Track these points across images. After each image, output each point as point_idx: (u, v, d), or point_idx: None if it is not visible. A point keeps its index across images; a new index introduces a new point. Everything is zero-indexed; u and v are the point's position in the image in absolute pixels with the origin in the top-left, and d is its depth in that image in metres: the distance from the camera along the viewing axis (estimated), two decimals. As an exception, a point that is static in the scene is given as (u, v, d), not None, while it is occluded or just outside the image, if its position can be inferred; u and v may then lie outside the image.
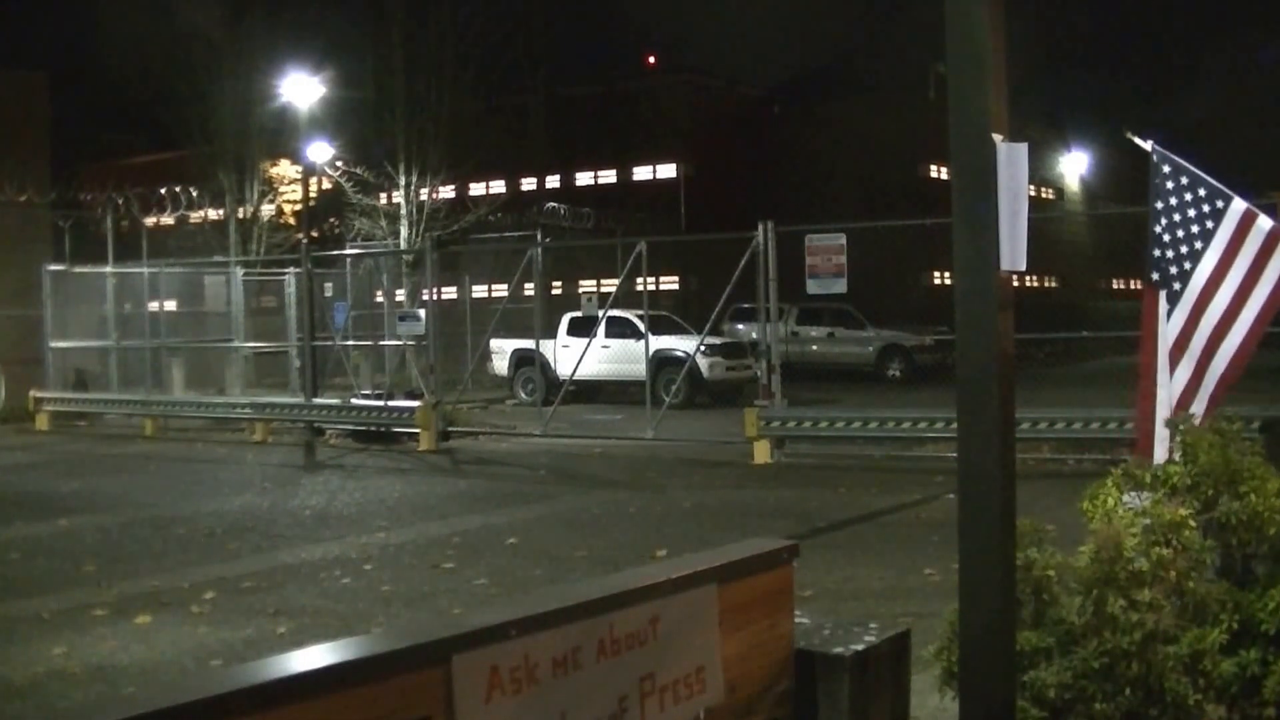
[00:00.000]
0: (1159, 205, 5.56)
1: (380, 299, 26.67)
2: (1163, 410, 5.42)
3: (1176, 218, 5.49)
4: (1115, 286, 67.47)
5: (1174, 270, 5.52)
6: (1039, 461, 14.98)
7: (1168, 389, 5.45)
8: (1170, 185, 5.50)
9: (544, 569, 9.94)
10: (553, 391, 22.00)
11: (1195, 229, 5.42)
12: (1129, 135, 5.73)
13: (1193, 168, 5.52)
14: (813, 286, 17.19)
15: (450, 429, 19.61)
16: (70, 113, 42.47)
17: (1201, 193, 5.43)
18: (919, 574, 9.16)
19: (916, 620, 5.50)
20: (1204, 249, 5.37)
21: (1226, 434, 4.90)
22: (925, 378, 29.76)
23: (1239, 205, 5.38)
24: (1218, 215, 5.39)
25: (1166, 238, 5.51)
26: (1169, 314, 5.49)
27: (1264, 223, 5.32)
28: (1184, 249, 5.45)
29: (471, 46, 35.24)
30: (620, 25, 63.93)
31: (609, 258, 28.23)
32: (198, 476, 16.66)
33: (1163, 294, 5.51)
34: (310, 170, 34.62)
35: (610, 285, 26.10)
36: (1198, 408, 5.38)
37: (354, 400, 20.81)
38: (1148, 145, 5.63)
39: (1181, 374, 5.42)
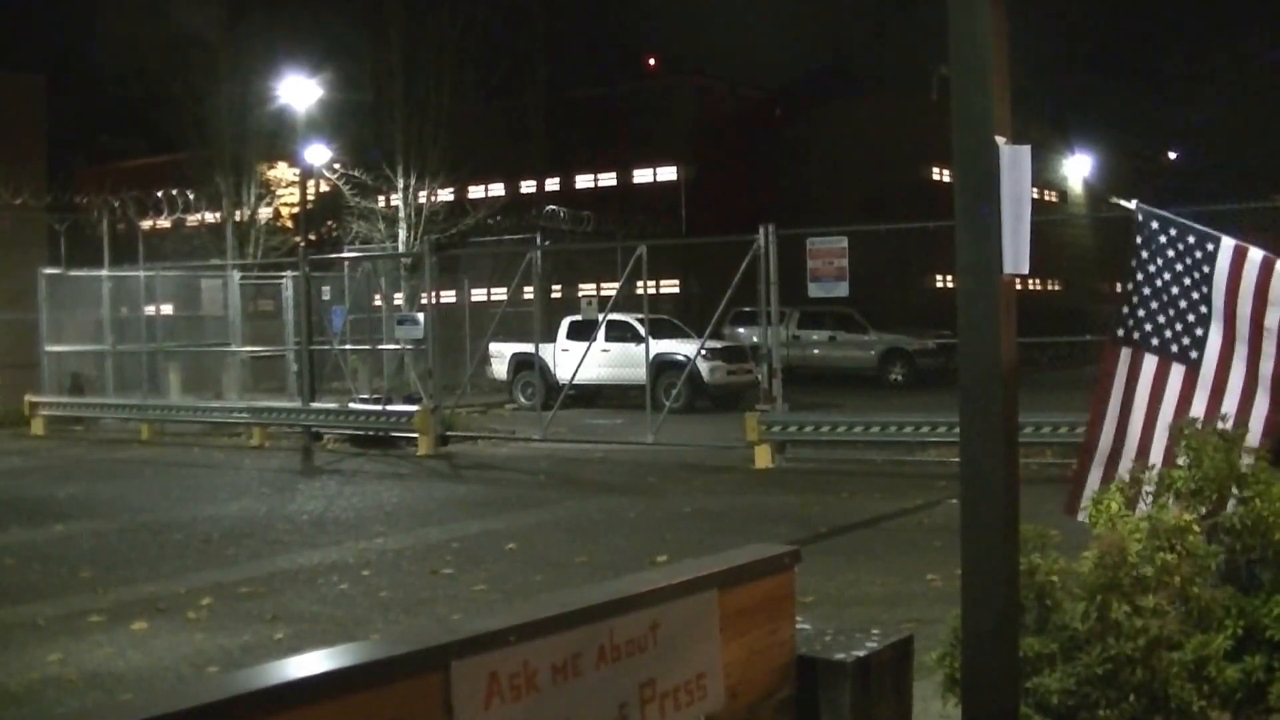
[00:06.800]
0: (1145, 263, 5.55)
1: (378, 302, 26.63)
2: (1102, 469, 5.44)
3: (1165, 277, 5.49)
4: (1119, 289, 67.46)
5: (1149, 327, 5.52)
6: (1042, 466, 14.91)
7: (1126, 447, 5.45)
8: (1163, 239, 5.49)
9: (543, 575, 9.91)
10: (552, 396, 21.97)
11: (1192, 278, 5.42)
12: (1115, 200, 5.80)
13: (1178, 218, 5.55)
14: (814, 290, 17.18)
15: (449, 433, 19.58)
16: (67, 115, 42.50)
17: (1191, 239, 5.43)
18: (921, 580, 9.12)
19: (919, 626, 5.46)
20: (1209, 294, 5.35)
21: (1231, 439, 4.87)
22: (927, 382, 29.76)
23: (1228, 243, 5.36)
24: (1210, 257, 5.37)
25: (1147, 291, 5.52)
26: (1155, 372, 5.48)
27: (1255, 255, 5.31)
28: (1182, 304, 5.44)
29: (471, 48, 35.23)
30: (621, 27, 63.90)
31: (609, 261, 28.24)
32: (194, 481, 16.62)
33: (1145, 354, 5.52)
34: (308, 173, 34.58)
35: (610, 289, 26.10)
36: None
37: (352, 405, 20.77)
38: (1132, 205, 5.68)
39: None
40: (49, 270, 25.61)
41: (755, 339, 22.00)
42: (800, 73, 60.73)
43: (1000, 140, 3.74)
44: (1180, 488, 4.78)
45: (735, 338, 28.78)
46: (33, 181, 27.47)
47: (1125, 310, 5.60)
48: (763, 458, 16.39)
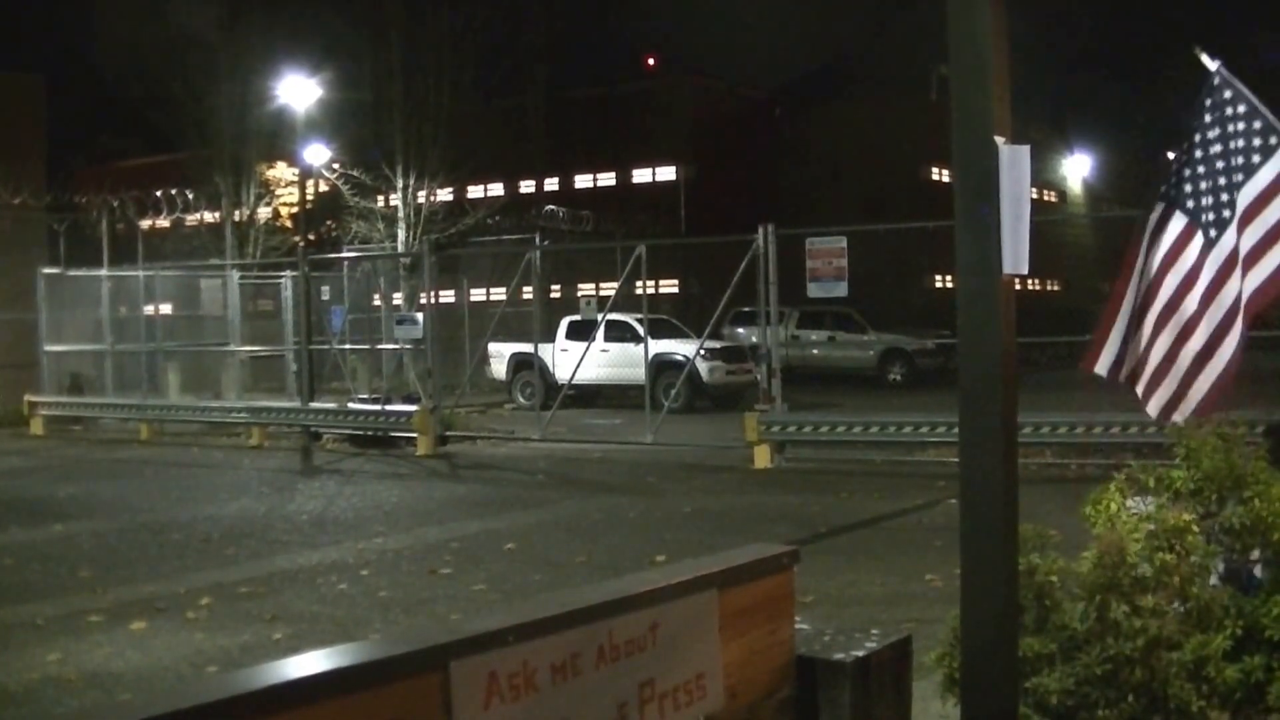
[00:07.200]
0: (1206, 127, 5.35)
1: (378, 302, 26.66)
2: (1124, 324, 5.35)
3: (1216, 148, 5.33)
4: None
5: (1189, 189, 5.38)
6: (1041, 466, 14.93)
7: (1139, 303, 5.35)
8: (1229, 111, 5.34)
9: (543, 575, 9.91)
10: (551, 395, 21.95)
11: (1239, 160, 5.28)
12: (1198, 52, 5.59)
13: (1255, 99, 5.28)
14: (813, 290, 17.17)
15: (448, 433, 19.57)
16: (66, 115, 42.48)
17: (1257, 125, 5.28)
18: (921, 580, 9.12)
19: (918, 626, 5.46)
20: (1244, 182, 5.24)
21: (1230, 438, 4.87)
22: (927, 382, 29.74)
23: None
24: (1268, 151, 5.25)
25: (1198, 154, 5.32)
26: (1180, 233, 5.36)
27: None
28: (1221, 180, 5.30)
29: (470, 48, 35.24)
30: (620, 26, 63.85)
31: (608, 261, 28.23)
32: (194, 481, 16.62)
33: (1177, 212, 5.40)
34: (307, 173, 34.60)
35: (609, 288, 26.08)
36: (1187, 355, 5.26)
37: (351, 404, 20.77)
38: (1213, 65, 5.50)
39: (1189, 307, 5.28)
40: (48, 270, 25.60)
41: (754, 339, 22.00)
42: (799, 73, 60.69)
43: (1000, 140, 3.74)
44: (1180, 488, 4.77)
45: (734, 338, 28.77)
46: (32, 181, 27.47)
47: (1174, 168, 5.46)
48: (762, 458, 16.38)
